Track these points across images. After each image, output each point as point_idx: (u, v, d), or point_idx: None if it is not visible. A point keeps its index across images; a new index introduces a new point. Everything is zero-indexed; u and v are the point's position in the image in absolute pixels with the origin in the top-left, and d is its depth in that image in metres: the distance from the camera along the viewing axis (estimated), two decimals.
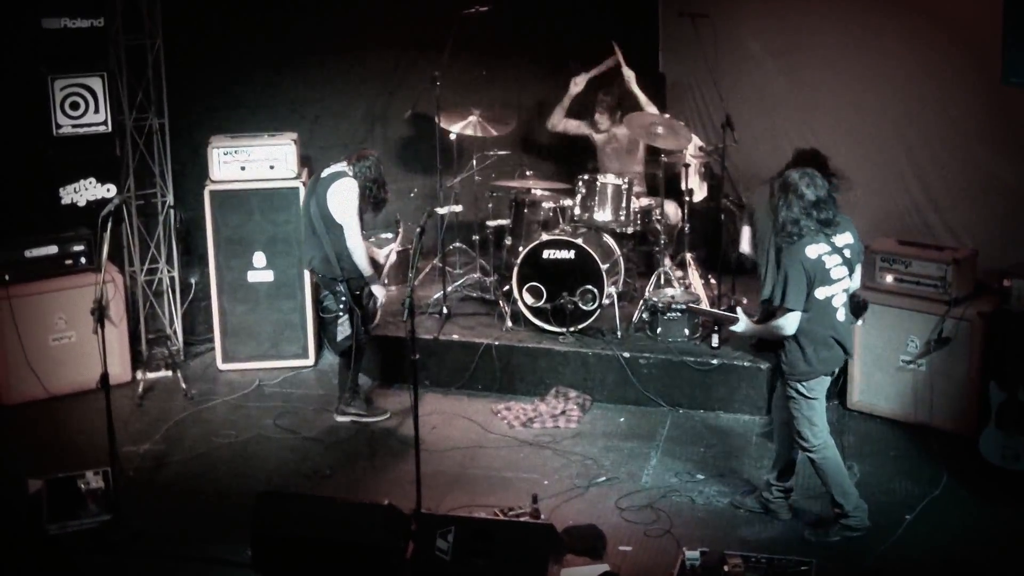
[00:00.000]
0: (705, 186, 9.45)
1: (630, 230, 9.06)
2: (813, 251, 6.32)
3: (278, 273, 9.04)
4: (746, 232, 7.97)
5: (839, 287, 6.43)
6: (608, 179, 8.99)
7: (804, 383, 6.51)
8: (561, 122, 9.89)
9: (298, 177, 9.03)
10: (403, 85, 10.26)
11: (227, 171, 8.94)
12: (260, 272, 9.00)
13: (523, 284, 8.72)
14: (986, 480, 7.19)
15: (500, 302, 9.07)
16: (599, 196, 8.93)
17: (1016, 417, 7.14)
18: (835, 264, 6.38)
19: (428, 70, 9.34)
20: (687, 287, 8.88)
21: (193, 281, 9.45)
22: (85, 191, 8.87)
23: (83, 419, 8.17)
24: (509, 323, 8.89)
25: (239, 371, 9.05)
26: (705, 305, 8.61)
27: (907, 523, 6.81)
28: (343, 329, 8.03)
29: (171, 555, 6.62)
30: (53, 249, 8.61)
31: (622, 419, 8.26)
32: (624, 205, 8.94)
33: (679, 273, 9.03)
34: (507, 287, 8.98)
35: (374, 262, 8.19)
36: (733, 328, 6.69)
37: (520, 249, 8.83)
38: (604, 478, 7.41)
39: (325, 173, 8.05)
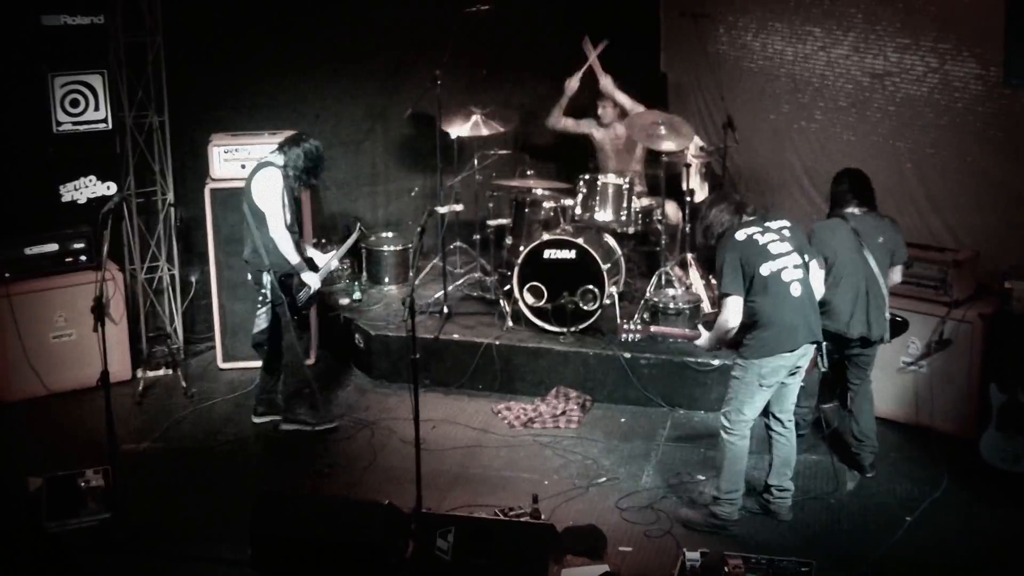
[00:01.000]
0: (706, 186, 9.44)
1: (631, 230, 9.05)
2: (743, 234, 6.45)
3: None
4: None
5: (785, 262, 6.43)
6: (609, 179, 8.98)
7: (758, 362, 6.48)
8: (560, 120, 9.89)
9: None
10: (404, 84, 10.24)
11: (227, 169, 8.92)
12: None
13: (524, 284, 8.72)
14: (987, 482, 7.19)
15: (501, 302, 9.07)
16: (600, 196, 8.93)
17: (1017, 419, 7.14)
18: (771, 240, 6.44)
19: (429, 69, 9.33)
20: (688, 287, 8.87)
21: (193, 279, 9.45)
22: (85, 189, 8.88)
23: (83, 417, 8.16)
24: (510, 323, 8.89)
25: (239, 370, 9.03)
26: (706, 306, 8.61)
27: (908, 525, 6.81)
28: (259, 322, 7.96)
29: (170, 554, 6.61)
30: (53, 247, 8.60)
31: (623, 419, 8.26)
32: (625, 205, 8.94)
33: (680, 273, 9.02)
34: (508, 287, 8.97)
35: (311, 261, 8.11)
36: (697, 343, 6.78)
37: (521, 249, 8.82)
38: (604, 478, 7.41)
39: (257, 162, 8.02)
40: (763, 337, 6.45)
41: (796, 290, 6.45)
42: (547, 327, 8.72)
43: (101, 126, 8.85)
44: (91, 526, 6.75)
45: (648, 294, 8.81)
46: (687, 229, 9.06)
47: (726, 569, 6.11)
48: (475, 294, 9.49)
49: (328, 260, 8.15)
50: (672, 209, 9.28)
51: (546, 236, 8.75)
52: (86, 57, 8.74)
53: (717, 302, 8.48)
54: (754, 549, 6.42)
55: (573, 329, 8.64)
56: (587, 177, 9.04)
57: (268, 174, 7.81)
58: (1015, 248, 8.06)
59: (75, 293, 8.48)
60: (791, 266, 6.45)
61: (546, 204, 9.17)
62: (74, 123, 8.76)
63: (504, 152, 9.71)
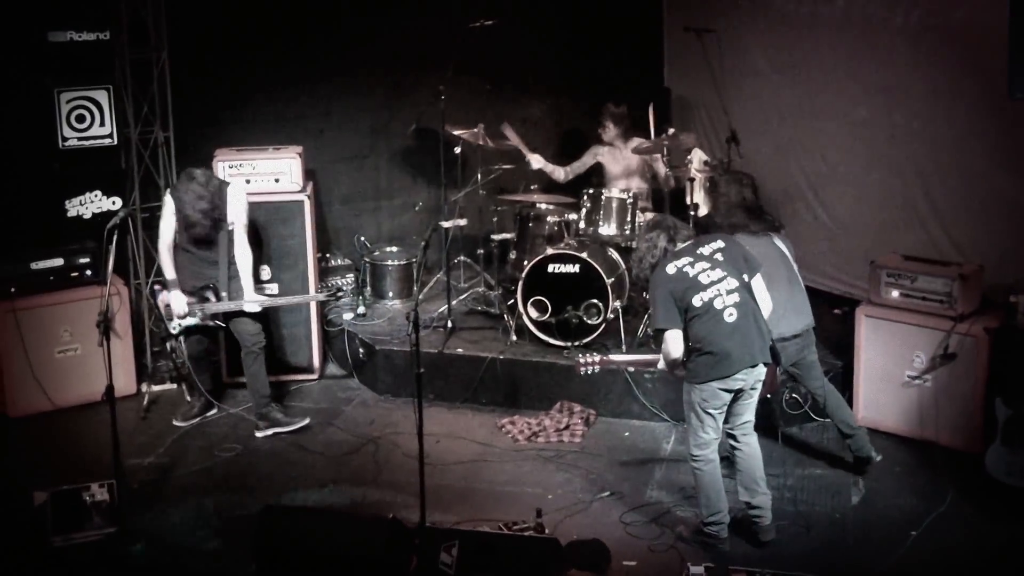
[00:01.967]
0: (710, 201, 9.42)
1: (635, 244, 9.03)
2: (672, 267, 6.47)
3: (283, 286, 9.03)
4: None
5: (717, 289, 6.42)
6: (613, 193, 9.00)
7: (697, 389, 6.51)
8: (562, 172, 9.84)
9: (303, 190, 9.03)
10: (408, 99, 10.28)
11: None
12: (265, 285, 8.98)
13: (528, 298, 8.72)
14: (992, 497, 7.16)
15: (505, 316, 9.07)
16: (604, 210, 8.94)
17: (1022, 433, 7.12)
18: (702, 269, 6.44)
19: (433, 84, 9.35)
20: None
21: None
22: (91, 204, 8.90)
23: (88, 431, 8.17)
24: (514, 337, 8.89)
25: (244, 383, 8.98)
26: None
27: (912, 539, 6.78)
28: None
29: (175, 568, 6.62)
30: (59, 261, 8.60)
31: (627, 433, 8.25)
32: (629, 219, 8.95)
33: None
34: (512, 301, 8.98)
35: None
36: (658, 366, 6.78)
37: (525, 263, 8.83)
38: (608, 492, 7.40)
39: None
40: (699, 362, 6.46)
41: (731, 316, 6.41)
42: (551, 341, 8.72)
43: (106, 141, 8.86)
44: (96, 540, 6.73)
45: None
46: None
47: None
48: (479, 308, 9.49)
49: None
50: None
51: (550, 250, 8.75)
52: (92, 73, 8.76)
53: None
54: (759, 563, 6.40)
55: (577, 343, 8.64)
56: (591, 191, 9.05)
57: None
58: (1020, 262, 8.05)
59: (80, 308, 8.48)
60: (724, 292, 6.42)
61: (550, 218, 9.17)
62: (80, 138, 8.77)
63: (508, 166, 9.71)
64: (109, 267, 6.88)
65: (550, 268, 8.66)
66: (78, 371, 8.51)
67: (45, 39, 8.57)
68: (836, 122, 9.42)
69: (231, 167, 8.92)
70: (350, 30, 9.94)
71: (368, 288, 9.90)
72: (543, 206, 9.25)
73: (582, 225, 9.01)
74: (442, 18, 9.75)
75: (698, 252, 6.53)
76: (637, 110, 9.63)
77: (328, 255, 10.01)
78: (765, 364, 6.54)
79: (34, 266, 8.52)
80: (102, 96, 8.81)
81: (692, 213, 9.00)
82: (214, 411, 8.55)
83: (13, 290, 8.38)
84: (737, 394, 6.57)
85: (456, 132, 9.33)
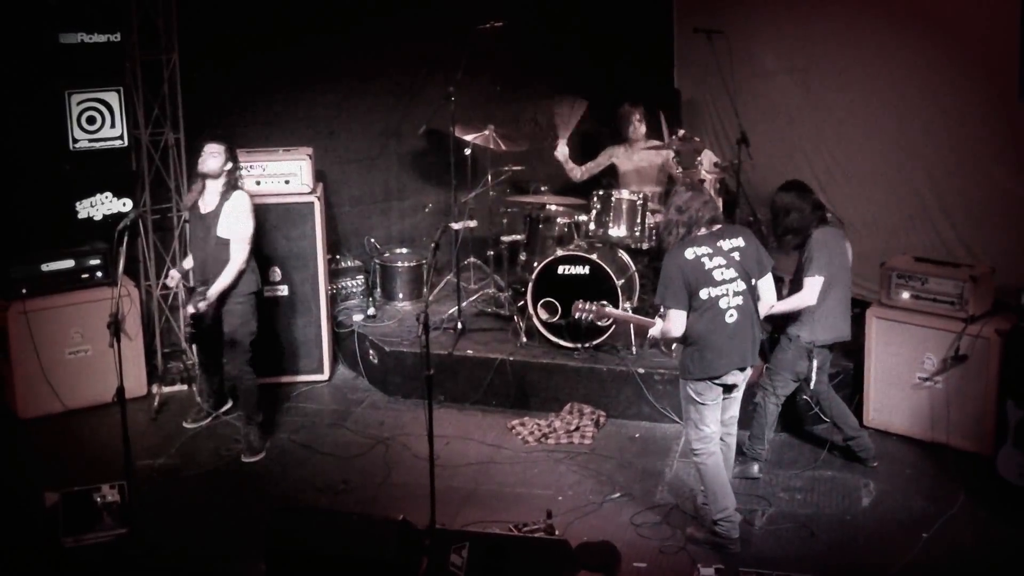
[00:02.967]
0: (720, 202, 9.43)
1: (645, 246, 9.05)
2: (691, 253, 6.47)
3: (293, 288, 9.05)
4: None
5: (726, 288, 6.47)
6: (623, 195, 8.98)
7: (691, 384, 6.59)
8: (579, 171, 9.84)
9: (313, 192, 9.04)
10: (418, 100, 10.29)
11: (243, 186, 8.92)
12: (275, 287, 9.00)
13: (538, 299, 8.72)
14: (1003, 499, 7.15)
15: (515, 317, 9.08)
16: (614, 212, 8.93)
17: None
18: (718, 265, 6.47)
19: (443, 85, 9.36)
20: None
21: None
22: (101, 205, 8.91)
23: (99, 433, 8.20)
24: (524, 339, 8.89)
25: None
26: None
27: (924, 542, 6.77)
28: None
29: (186, 569, 6.63)
30: (70, 263, 8.62)
31: (637, 435, 8.25)
32: (639, 221, 8.94)
33: None
34: (522, 302, 8.98)
35: None
36: (650, 332, 6.82)
37: (535, 264, 8.83)
38: (618, 494, 7.40)
39: None
40: (694, 357, 6.54)
41: (732, 317, 6.50)
42: (561, 343, 8.73)
43: (117, 143, 8.89)
44: (107, 542, 6.75)
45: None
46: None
47: None
48: (489, 310, 9.50)
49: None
50: None
51: (560, 252, 8.76)
52: (102, 74, 8.79)
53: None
54: (769, 565, 6.40)
55: (587, 345, 8.65)
56: (601, 193, 9.04)
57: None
58: None
59: (91, 309, 8.51)
60: (732, 293, 6.50)
61: (560, 220, 9.17)
62: (90, 140, 8.80)
63: (518, 168, 9.71)
64: (120, 268, 6.88)
65: (560, 270, 8.66)
66: (89, 372, 8.52)
67: (56, 41, 8.60)
68: (846, 123, 9.42)
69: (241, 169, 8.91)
70: (361, 32, 9.95)
71: (378, 290, 9.92)
72: (553, 208, 9.25)
73: (592, 227, 9.00)
74: (452, 20, 9.75)
75: (718, 245, 6.53)
76: (651, 108, 9.63)
77: (338, 257, 10.01)
78: (752, 366, 6.70)
79: (45, 268, 8.53)
80: (112, 98, 8.83)
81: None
82: (226, 406, 8.53)
83: (24, 291, 8.40)
84: (724, 389, 6.68)
85: (466, 137, 9.32)
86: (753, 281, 6.60)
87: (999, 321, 7.69)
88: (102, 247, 8.69)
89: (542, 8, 10.48)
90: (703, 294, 6.44)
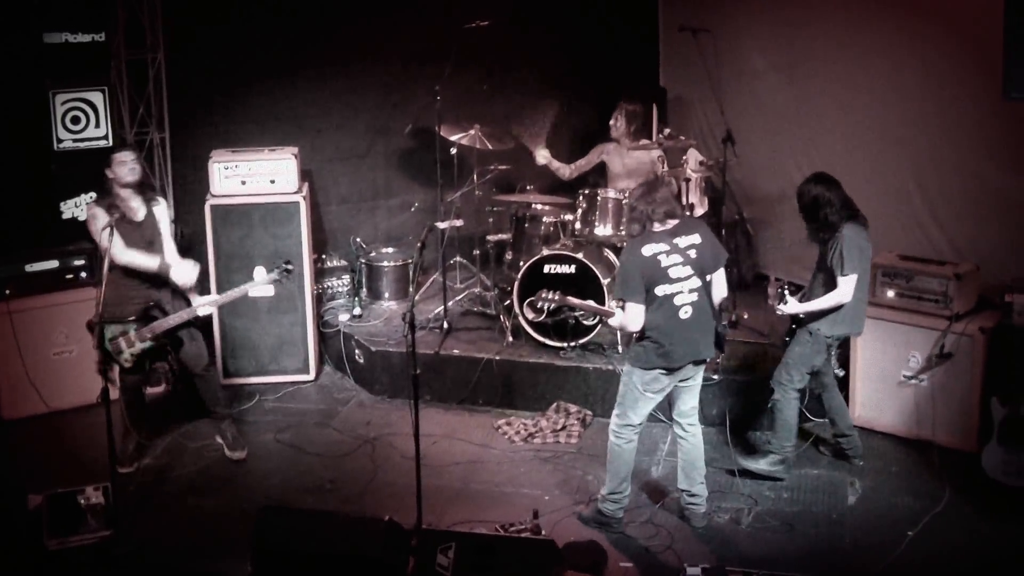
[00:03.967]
0: (706, 200, 9.44)
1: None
2: (649, 250, 6.59)
3: (279, 288, 9.00)
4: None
5: (681, 286, 6.60)
6: (609, 193, 8.96)
7: (638, 372, 6.73)
8: (569, 169, 9.79)
9: (299, 192, 9.03)
10: (404, 99, 10.28)
11: (228, 186, 8.94)
12: (261, 287, 8.97)
13: (524, 298, 8.70)
14: (989, 496, 7.16)
15: (501, 317, 9.06)
16: (600, 210, 8.92)
17: (1018, 433, 7.12)
18: (674, 263, 6.59)
19: (429, 84, 9.34)
20: None
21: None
22: (86, 206, 8.86)
23: (83, 434, 8.15)
24: (510, 338, 8.88)
25: (240, 385, 9.04)
26: None
27: (909, 539, 6.79)
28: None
29: (172, 570, 6.62)
30: (54, 263, 8.57)
31: None
32: (625, 219, 8.92)
33: None
34: (508, 301, 8.97)
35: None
36: (609, 321, 6.98)
37: (521, 263, 8.82)
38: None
39: None
40: (647, 347, 6.67)
41: (686, 313, 6.63)
42: (547, 342, 8.72)
43: (102, 143, 8.85)
44: (91, 543, 6.70)
45: None
46: None
47: None
48: (475, 309, 9.49)
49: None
50: None
51: (546, 251, 8.75)
52: (87, 74, 8.76)
53: (718, 316, 8.51)
54: (756, 564, 6.39)
55: (573, 344, 8.64)
56: (587, 192, 9.02)
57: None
58: (1016, 261, 8.06)
59: (76, 310, 8.44)
60: (687, 290, 6.62)
61: (546, 219, 9.16)
62: (75, 140, 8.77)
63: (504, 167, 9.67)
64: (105, 268, 6.86)
65: (546, 268, 8.65)
66: (73, 373, 8.49)
67: (40, 40, 8.58)
68: (832, 121, 9.43)
69: (227, 168, 8.92)
70: (347, 31, 9.93)
71: (364, 289, 9.90)
72: (539, 207, 9.24)
73: (578, 226, 8.99)
74: (438, 19, 9.74)
75: (675, 243, 6.64)
76: (631, 103, 9.61)
77: (324, 256, 9.99)
78: (708, 358, 6.83)
79: (29, 268, 8.49)
80: (97, 98, 8.80)
81: (688, 214, 9.00)
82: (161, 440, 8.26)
83: (8, 292, 8.35)
84: (679, 382, 6.81)
85: (452, 137, 9.30)
86: (708, 277, 6.71)
87: (984, 319, 7.71)
88: (87, 247, 8.63)
89: (528, 7, 10.45)
90: (658, 291, 6.58)
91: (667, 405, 7.07)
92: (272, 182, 8.99)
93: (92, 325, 6.62)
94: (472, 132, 9.35)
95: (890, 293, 7.98)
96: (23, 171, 8.72)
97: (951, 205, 8.61)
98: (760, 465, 7.48)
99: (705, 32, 9.52)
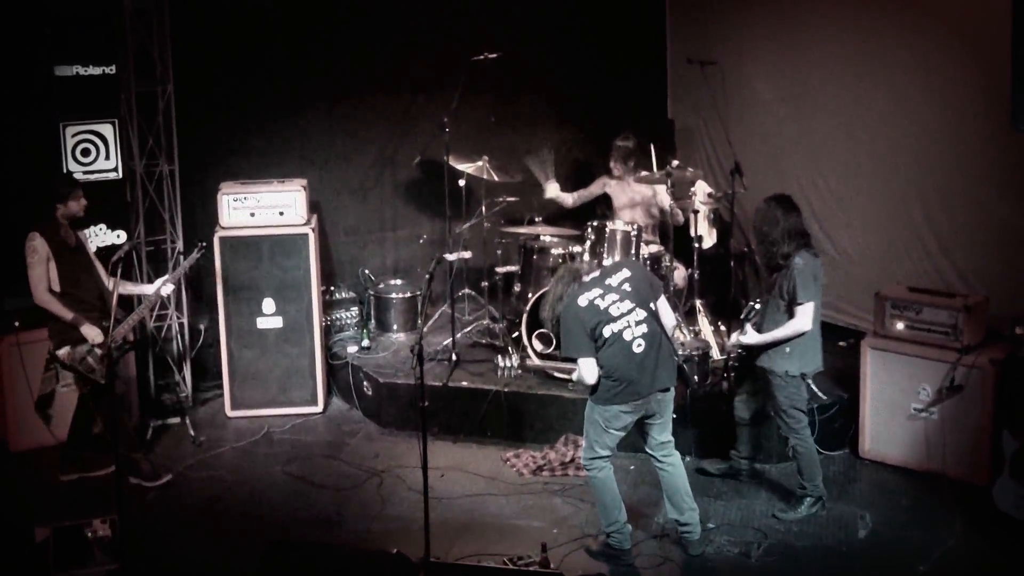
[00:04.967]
0: (714, 232, 9.43)
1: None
2: (584, 299, 6.68)
3: (287, 319, 9.04)
4: None
5: (627, 320, 6.67)
6: (617, 226, 8.94)
7: (599, 407, 6.77)
8: (571, 198, 9.82)
9: (307, 223, 9.04)
10: (412, 130, 10.29)
11: (237, 217, 8.97)
12: (269, 318, 8.99)
13: (532, 331, 8.69)
14: (1000, 530, 7.11)
15: (509, 348, 9.04)
16: (608, 243, 8.89)
17: None
18: (612, 301, 6.68)
19: (437, 116, 9.36)
20: (696, 334, 8.84)
21: (202, 327, 9.46)
22: (96, 237, 8.91)
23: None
24: (518, 370, 8.85)
25: (248, 418, 9.04)
26: (715, 353, 8.58)
27: (921, 574, 6.73)
28: None
29: None
30: None
31: (632, 467, 8.18)
32: (633, 252, 8.91)
33: (688, 320, 8.99)
34: (516, 334, 8.95)
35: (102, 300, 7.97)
36: (572, 377, 7.17)
37: (529, 295, 8.80)
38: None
39: None
40: (607, 385, 6.72)
41: (639, 347, 6.69)
42: (556, 374, 8.69)
43: (111, 175, 8.90)
44: None
45: None
46: (695, 275, 9.03)
47: None
48: (484, 341, 9.46)
49: (155, 289, 8.12)
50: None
51: None
52: (97, 106, 8.82)
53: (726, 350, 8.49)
54: None
55: None
56: (595, 224, 8.99)
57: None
58: None
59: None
60: (633, 323, 6.69)
61: (554, 251, 9.12)
62: (85, 172, 8.81)
63: (512, 199, 9.69)
64: (114, 300, 6.87)
65: None
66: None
67: (51, 73, 8.65)
68: (840, 151, 9.41)
69: (235, 200, 8.94)
70: (355, 63, 9.97)
71: (372, 321, 9.89)
72: (547, 238, 9.23)
73: (586, 258, 8.97)
74: (447, 51, 9.76)
75: (606, 283, 6.74)
76: (642, 139, 9.62)
77: (332, 288, 9.99)
78: (672, 387, 6.88)
79: None
80: (107, 130, 8.86)
81: (696, 246, 9.00)
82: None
83: (17, 324, 8.33)
84: (646, 417, 6.84)
85: (460, 167, 9.32)
86: (652, 306, 6.77)
87: (994, 351, 7.67)
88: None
89: (536, 39, 10.48)
90: (606, 332, 6.64)
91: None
92: (281, 214, 9.01)
93: (104, 355, 6.63)
94: (480, 163, 9.36)
95: (899, 325, 7.95)
96: (33, 203, 8.70)
97: (960, 236, 8.58)
98: (801, 513, 7.43)
99: (712, 64, 9.53)
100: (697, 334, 8.85)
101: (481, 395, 8.67)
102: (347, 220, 10.35)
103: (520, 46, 10.07)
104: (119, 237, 9.00)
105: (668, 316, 6.95)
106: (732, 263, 9.33)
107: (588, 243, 8.96)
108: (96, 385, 7.74)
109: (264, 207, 8.99)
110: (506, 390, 8.64)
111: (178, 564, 6.96)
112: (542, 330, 8.65)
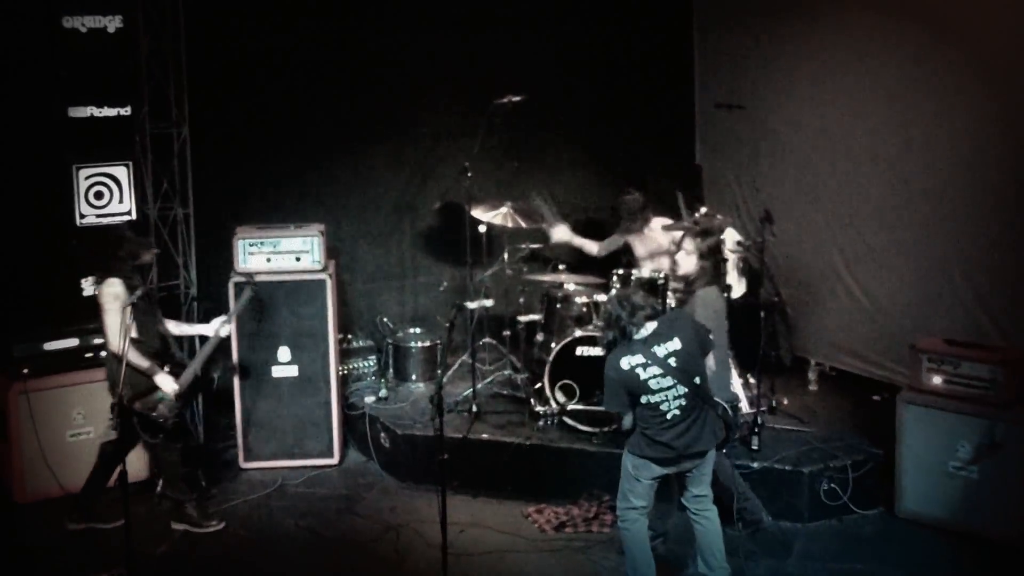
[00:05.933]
0: (744, 281, 9.28)
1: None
2: (626, 363, 6.59)
3: (303, 368, 8.89)
4: None
5: (665, 395, 6.57)
6: (643, 273, 8.79)
7: (631, 456, 6.76)
8: (598, 247, 9.57)
9: (325, 269, 8.89)
10: (433, 175, 10.24)
11: (253, 262, 8.84)
12: (284, 367, 8.83)
13: (555, 382, 8.54)
14: None
15: (531, 400, 8.84)
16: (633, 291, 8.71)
17: None
18: (652, 375, 6.56)
19: (458, 160, 9.28)
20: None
21: (215, 375, 9.26)
22: (104, 283, 8.74)
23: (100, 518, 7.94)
24: (541, 422, 8.65)
25: (261, 469, 8.89)
26: (744, 406, 8.35)
27: None
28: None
29: None
30: (74, 342, 8.48)
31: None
32: (659, 300, 8.72)
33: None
34: (539, 385, 8.77)
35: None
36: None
37: (552, 345, 8.66)
38: None
39: None
40: (640, 436, 6.71)
41: (674, 416, 6.61)
42: (579, 427, 8.51)
43: (125, 218, 8.81)
44: None
45: None
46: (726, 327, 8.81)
47: None
48: (505, 392, 9.33)
49: (214, 330, 8.05)
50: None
51: (578, 332, 8.58)
52: (112, 148, 8.76)
53: (757, 402, 8.26)
54: None
55: (606, 429, 8.42)
56: (620, 272, 8.86)
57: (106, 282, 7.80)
58: None
59: (94, 390, 8.30)
60: (671, 398, 6.59)
61: (578, 299, 8.98)
62: (98, 215, 8.75)
63: (535, 246, 9.57)
64: (126, 346, 6.73)
65: (578, 351, 8.51)
66: (90, 455, 8.23)
67: (65, 114, 8.61)
68: (873, 198, 9.26)
69: (252, 245, 8.83)
70: (374, 107, 9.95)
71: (391, 370, 9.78)
72: (571, 287, 9.08)
73: (640, 295, 8.76)
74: (469, 93, 9.72)
75: (652, 352, 6.59)
76: (666, 182, 9.46)
77: (350, 336, 9.86)
78: (710, 449, 6.78)
79: (48, 347, 8.39)
80: (121, 172, 8.82)
81: (725, 295, 8.77)
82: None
83: (26, 371, 8.24)
84: (687, 473, 6.81)
85: (482, 215, 9.18)
86: (698, 380, 6.64)
87: None
88: None
89: (561, 83, 10.44)
90: (643, 399, 6.59)
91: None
92: (297, 259, 8.88)
93: (115, 406, 6.49)
94: (503, 210, 9.22)
95: (936, 379, 7.76)
96: (45, 247, 8.66)
97: (997, 286, 8.40)
98: None
99: (741, 109, 9.40)
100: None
101: (502, 448, 8.50)
102: (365, 267, 10.29)
103: (545, 89, 10.03)
104: None
105: (711, 365, 6.92)
106: (762, 313, 9.10)
107: (613, 291, 8.76)
108: (168, 434, 7.73)
109: (281, 252, 8.88)
110: (528, 443, 8.45)
111: None
112: (565, 381, 8.46)
